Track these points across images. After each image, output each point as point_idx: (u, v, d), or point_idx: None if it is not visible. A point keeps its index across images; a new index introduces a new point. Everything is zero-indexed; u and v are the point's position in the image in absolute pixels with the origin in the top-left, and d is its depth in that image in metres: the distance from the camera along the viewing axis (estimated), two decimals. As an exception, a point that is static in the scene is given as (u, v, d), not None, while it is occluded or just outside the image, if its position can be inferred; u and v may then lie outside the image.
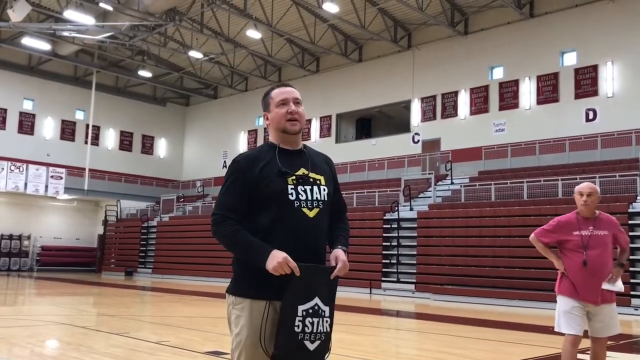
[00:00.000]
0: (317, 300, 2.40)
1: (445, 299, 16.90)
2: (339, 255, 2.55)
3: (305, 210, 2.51)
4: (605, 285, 4.49)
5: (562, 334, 4.58)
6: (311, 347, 2.37)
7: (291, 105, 2.60)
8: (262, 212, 2.50)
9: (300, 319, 2.36)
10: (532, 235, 4.79)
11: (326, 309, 2.43)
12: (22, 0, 21.65)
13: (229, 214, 2.50)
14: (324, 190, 2.60)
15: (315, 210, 2.53)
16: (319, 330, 2.39)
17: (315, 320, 2.38)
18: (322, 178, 2.62)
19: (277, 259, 2.35)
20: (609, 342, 4.74)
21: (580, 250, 4.51)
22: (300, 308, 2.37)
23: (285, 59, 29.39)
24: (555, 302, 4.70)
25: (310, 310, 2.38)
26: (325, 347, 2.44)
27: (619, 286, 4.54)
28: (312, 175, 2.59)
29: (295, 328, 2.35)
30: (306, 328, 2.36)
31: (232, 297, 2.54)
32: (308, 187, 2.55)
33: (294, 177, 2.53)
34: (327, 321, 2.43)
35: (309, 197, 2.53)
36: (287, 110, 2.59)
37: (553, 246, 4.80)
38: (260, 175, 2.50)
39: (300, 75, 30.32)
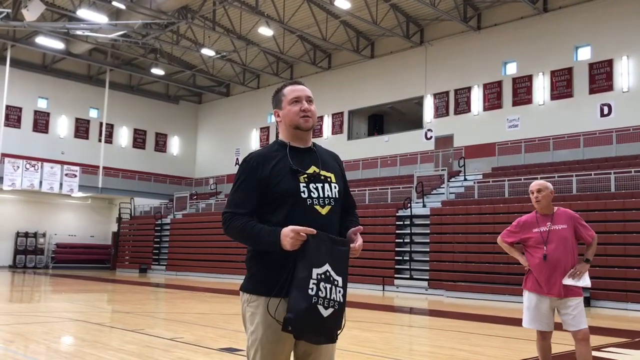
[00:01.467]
0: (328, 267, 2.39)
1: (459, 295, 16.86)
2: (359, 229, 2.59)
3: (317, 207, 2.52)
4: (568, 281, 4.46)
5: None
6: (325, 313, 2.34)
7: (304, 103, 2.61)
8: (275, 211, 2.51)
9: (315, 282, 2.34)
10: (499, 237, 4.94)
11: (339, 279, 2.41)
12: (36, -1, 21.84)
13: (239, 210, 2.52)
14: (335, 187, 2.61)
15: (327, 208, 2.55)
16: (332, 297, 2.37)
17: (328, 286, 2.37)
18: (332, 176, 2.63)
19: (288, 236, 2.36)
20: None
21: (541, 246, 4.58)
22: (315, 271, 2.35)
23: (297, 56, 29.40)
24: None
25: (323, 276, 2.37)
26: (339, 318, 2.41)
27: (585, 282, 4.48)
28: (323, 173, 2.60)
29: (309, 291, 2.33)
30: (320, 292, 2.34)
31: (246, 295, 2.55)
32: (319, 185, 2.56)
33: (305, 175, 2.54)
34: (340, 291, 2.40)
35: (321, 195, 2.54)
36: (300, 108, 2.60)
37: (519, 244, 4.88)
38: (271, 173, 2.51)
39: (312, 72, 30.31)
